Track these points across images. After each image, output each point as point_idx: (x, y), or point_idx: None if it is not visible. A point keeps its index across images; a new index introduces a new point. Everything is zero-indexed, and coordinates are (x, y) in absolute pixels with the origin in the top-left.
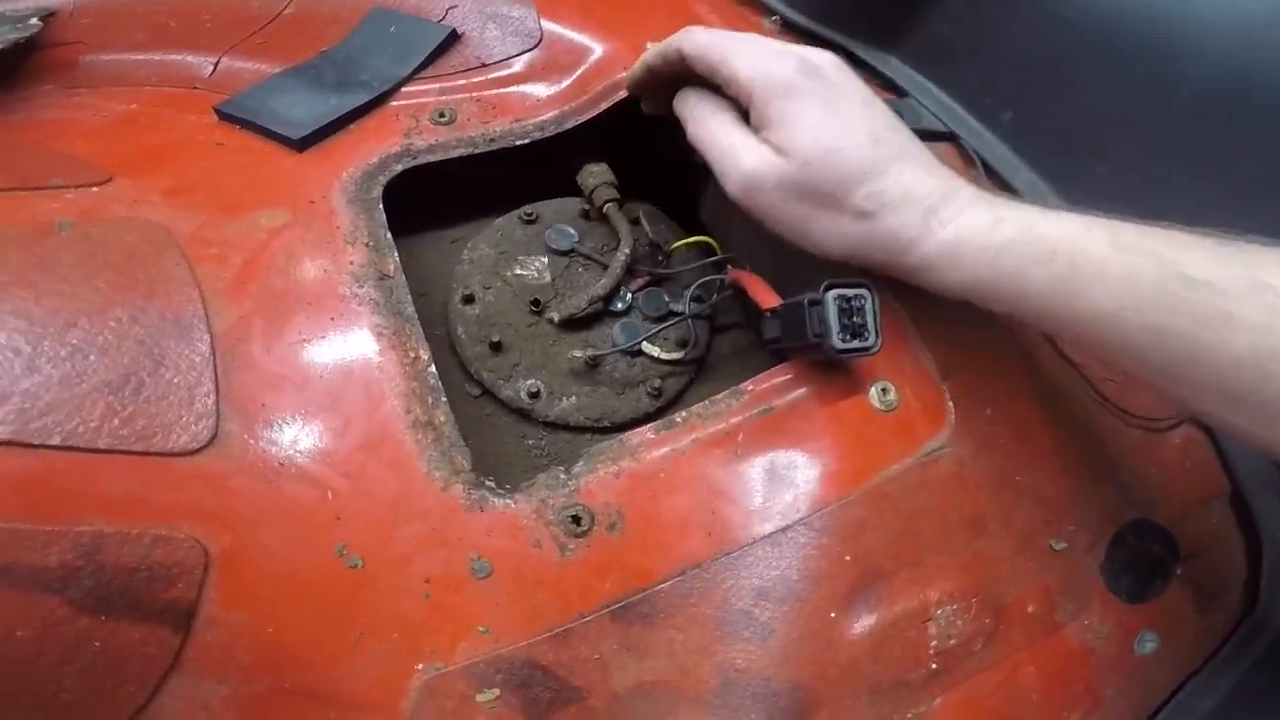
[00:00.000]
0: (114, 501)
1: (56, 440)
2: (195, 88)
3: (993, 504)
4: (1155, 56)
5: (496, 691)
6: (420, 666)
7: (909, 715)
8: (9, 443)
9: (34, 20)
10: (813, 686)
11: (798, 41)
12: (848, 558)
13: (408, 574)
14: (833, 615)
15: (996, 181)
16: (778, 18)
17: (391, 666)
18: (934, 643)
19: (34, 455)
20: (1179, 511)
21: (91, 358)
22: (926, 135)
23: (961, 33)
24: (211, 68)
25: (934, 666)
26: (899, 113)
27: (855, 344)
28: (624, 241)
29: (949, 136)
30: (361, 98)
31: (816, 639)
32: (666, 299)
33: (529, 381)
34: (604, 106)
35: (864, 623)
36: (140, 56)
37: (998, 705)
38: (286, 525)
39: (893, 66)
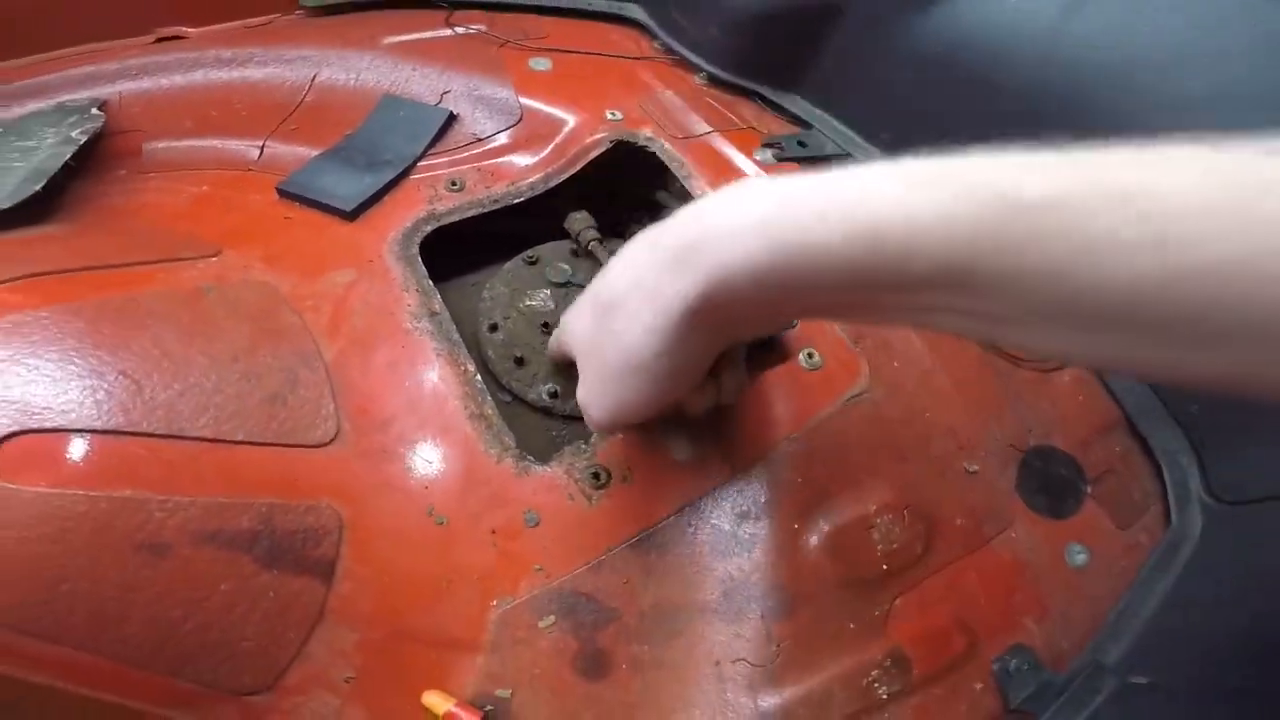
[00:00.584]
0: (278, 481)
1: (240, 436)
2: (249, 170)
3: (908, 435)
4: (975, 76)
5: (553, 618)
6: (495, 603)
7: (875, 612)
8: (213, 440)
9: (95, 110)
10: (791, 587)
11: (720, 90)
12: (799, 480)
13: (479, 528)
14: (795, 527)
15: None
16: (705, 74)
17: (474, 605)
18: (879, 546)
19: (227, 448)
20: (1079, 439)
21: (253, 382)
22: (829, 158)
23: (845, 73)
24: (258, 152)
25: (885, 567)
26: (803, 143)
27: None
28: None
29: (847, 157)
30: (390, 173)
31: (786, 547)
32: None
33: (547, 386)
34: (580, 165)
35: (821, 530)
36: (192, 143)
37: (951, 608)
38: (391, 495)
39: (798, 104)
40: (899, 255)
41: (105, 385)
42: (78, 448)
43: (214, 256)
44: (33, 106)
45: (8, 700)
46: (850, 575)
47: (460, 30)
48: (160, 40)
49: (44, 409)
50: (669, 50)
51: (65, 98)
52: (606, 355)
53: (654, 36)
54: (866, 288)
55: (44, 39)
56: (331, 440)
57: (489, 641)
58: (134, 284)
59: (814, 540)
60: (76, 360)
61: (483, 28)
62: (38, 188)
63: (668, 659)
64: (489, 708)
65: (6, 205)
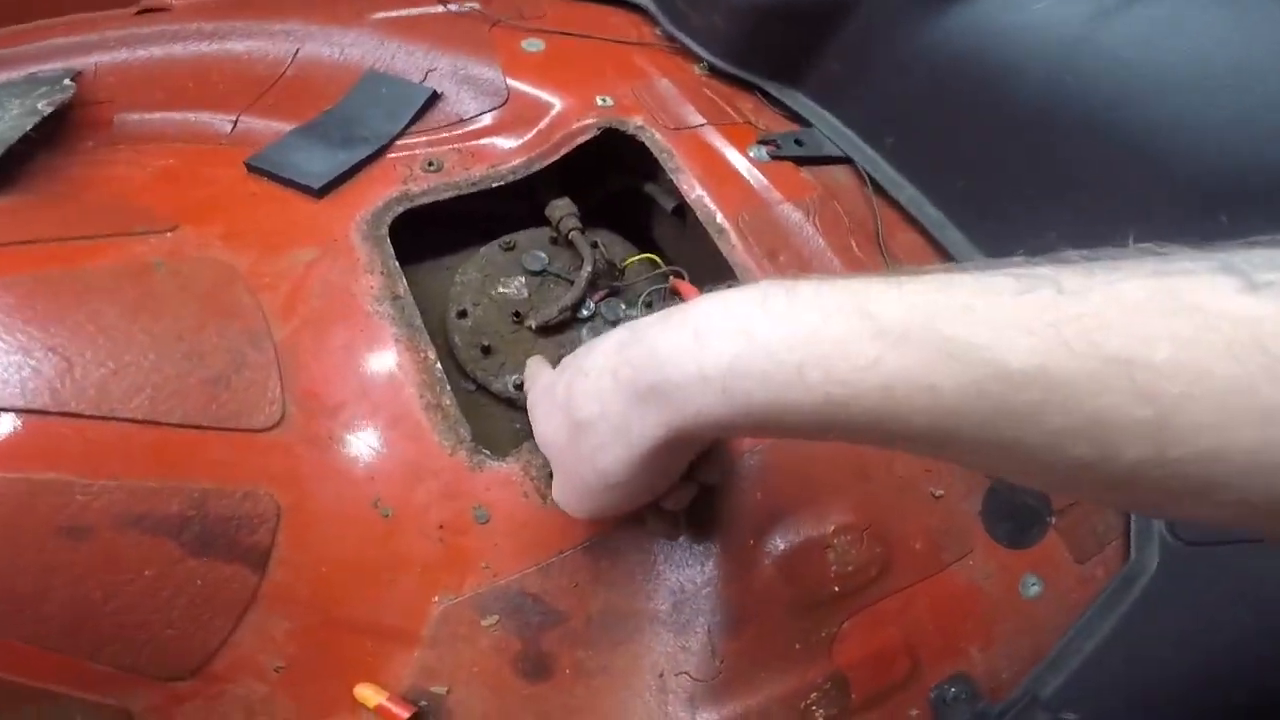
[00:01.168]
0: (215, 465)
1: (176, 419)
2: (220, 144)
3: (874, 454)
4: (989, 84)
5: (496, 617)
6: (436, 598)
7: (822, 634)
8: (145, 421)
9: (67, 81)
10: (741, 604)
11: (720, 82)
12: (759, 496)
13: (426, 521)
14: (751, 543)
15: (884, 197)
16: (705, 64)
17: (415, 599)
18: (834, 567)
19: (161, 430)
20: None
21: (194, 362)
22: (827, 160)
23: (851, 73)
24: (230, 126)
25: (837, 589)
26: (800, 142)
27: None
28: (586, 261)
29: (846, 160)
30: (364, 151)
31: (740, 563)
32: (623, 306)
33: (513, 376)
34: (564, 152)
35: (776, 549)
36: (165, 115)
37: (899, 633)
38: (335, 483)
39: (799, 101)
40: (874, 420)
41: (31, 363)
42: (21, 428)
43: (169, 231)
44: (3, 77)
45: None
46: (801, 597)
47: (453, 8)
48: (143, 12)
49: None
50: (670, 38)
51: (38, 68)
52: (581, 470)
53: (656, 23)
54: (843, 438)
55: (26, 8)
56: (275, 425)
57: (428, 636)
58: (78, 258)
59: (768, 559)
60: (19, 340)
61: (475, 5)
62: None
63: (612, 665)
64: (423, 703)
65: None
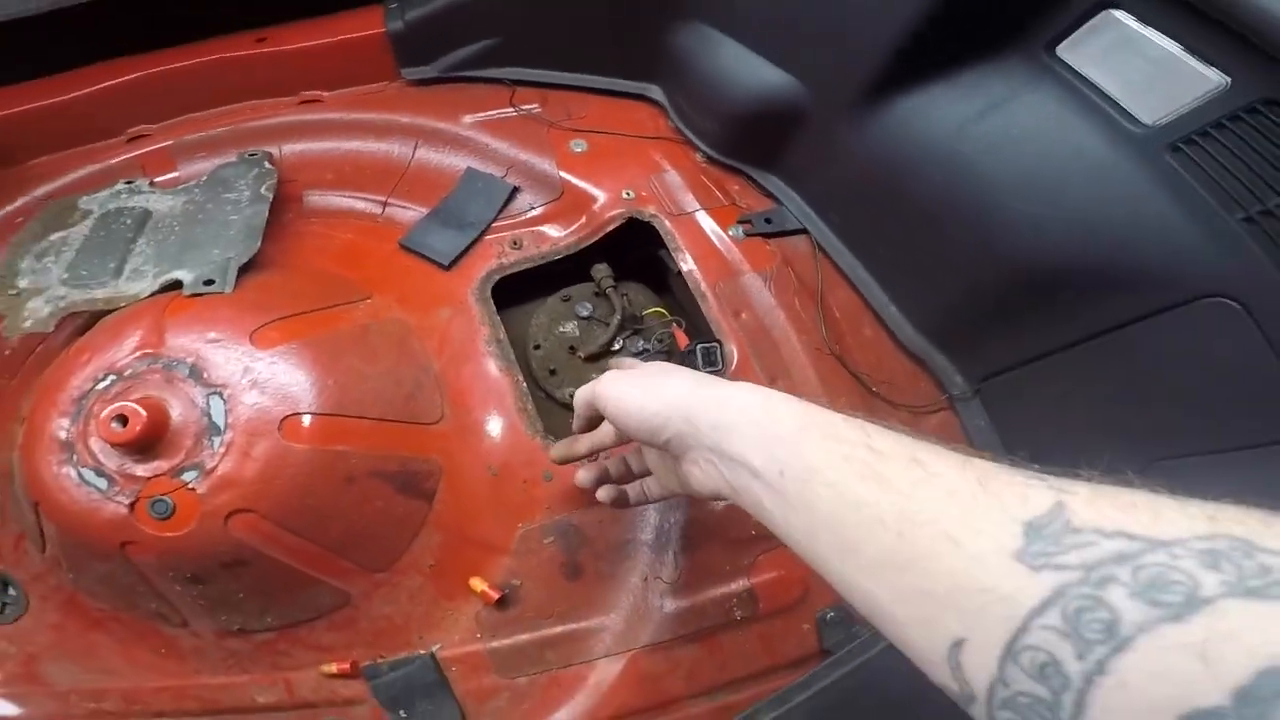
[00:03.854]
0: (410, 442)
1: (391, 417)
2: (375, 222)
3: None
4: (896, 176)
5: (553, 538)
6: (519, 526)
7: (744, 561)
8: (377, 418)
9: (268, 165)
10: (695, 537)
11: (714, 168)
12: None
13: (515, 479)
14: (703, 502)
15: (830, 261)
16: (703, 154)
17: (506, 525)
18: (752, 519)
19: (385, 424)
20: None
21: (397, 385)
22: (789, 232)
23: (807, 163)
24: (380, 208)
25: (753, 533)
26: (769, 219)
27: (714, 369)
28: (617, 311)
29: (804, 231)
30: (473, 235)
31: (699, 511)
32: (643, 343)
33: (569, 390)
34: (603, 234)
35: (716, 506)
36: (335, 195)
37: (797, 569)
38: (468, 454)
39: (773, 183)
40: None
41: (326, 387)
42: (317, 422)
43: (368, 299)
44: (218, 160)
45: (259, 566)
46: (732, 535)
47: (522, 109)
48: (304, 102)
49: (300, 401)
50: (678, 130)
51: (242, 150)
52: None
53: (668, 115)
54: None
55: (213, 96)
56: (439, 420)
57: (512, 549)
58: (330, 323)
59: (716, 509)
60: (314, 375)
61: (536, 106)
62: (259, 244)
63: (617, 572)
64: (506, 591)
65: (245, 260)
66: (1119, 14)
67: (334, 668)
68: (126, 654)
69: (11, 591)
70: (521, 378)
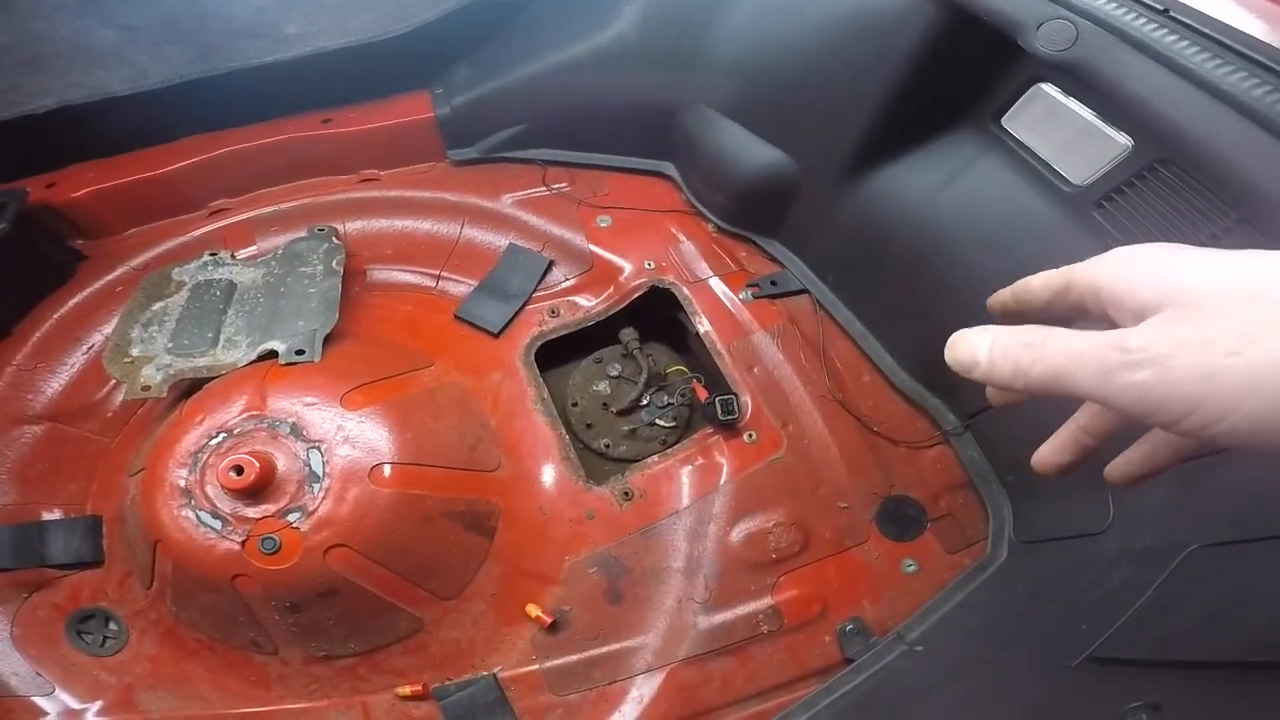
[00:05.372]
0: (474, 487)
1: (459, 465)
2: (431, 294)
3: (805, 483)
4: (880, 238)
5: (596, 569)
6: (567, 559)
7: (767, 581)
8: (446, 466)
9: (335, 241)
10: (722, 562)
11: (724, 237)
12: (732, 504)
13: (564, 518)
14: (728, 529)
15: (829, 317)
16: (714, 225)
17: (556, 559)
18: (773, 544)
19: (453, 471)
20: (931, 492)
21: (461, 438)
22: (792, 293)
23: (804, 230)
24: (435, 281)
25: (774, 557)
26: (774, 282)
27: (731, 417)
28: (643, 370)
29: (805, 291)
30: (517, 305)
31: (722, 539)
32: (666, 398)
33: (604, 441)
34: (629, 301)
35: (739, 533)
36: (393, 270)
37: (816, 588)
38: (521, 497)
39: (777, 249)
40: None
41: (404, 441)
42: (397, 470)
43: (432, 366)
44: (291, 235)
45: (349, 594)
46: (754, 560)
47: (554, 188)
48: (363, 180)
49: (383, 453)
50: (690, 203)
51: (310, 226)
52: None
53: (682, 190)
54: None
55: (288, 173)
56: (496, 469)
57: (561, 579)
58: (403, 387)
59: (735, 538)
60: (394, 431)
61: (566, 185)
62: (337, 316)
63: (654, 596)
64: (557, 616)
65: (328, 331)
66: (1046, 87)
67: (408, 689)
68: (217, 682)
69: (113, 626)
70: (564, 431)
